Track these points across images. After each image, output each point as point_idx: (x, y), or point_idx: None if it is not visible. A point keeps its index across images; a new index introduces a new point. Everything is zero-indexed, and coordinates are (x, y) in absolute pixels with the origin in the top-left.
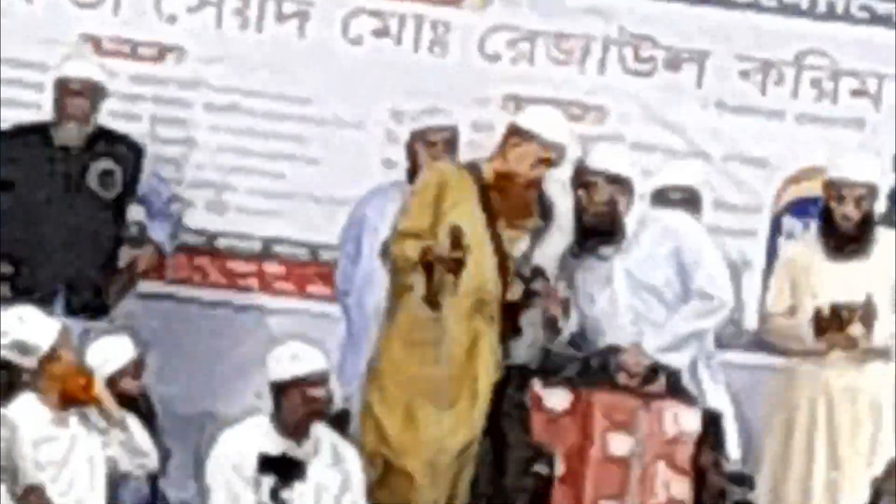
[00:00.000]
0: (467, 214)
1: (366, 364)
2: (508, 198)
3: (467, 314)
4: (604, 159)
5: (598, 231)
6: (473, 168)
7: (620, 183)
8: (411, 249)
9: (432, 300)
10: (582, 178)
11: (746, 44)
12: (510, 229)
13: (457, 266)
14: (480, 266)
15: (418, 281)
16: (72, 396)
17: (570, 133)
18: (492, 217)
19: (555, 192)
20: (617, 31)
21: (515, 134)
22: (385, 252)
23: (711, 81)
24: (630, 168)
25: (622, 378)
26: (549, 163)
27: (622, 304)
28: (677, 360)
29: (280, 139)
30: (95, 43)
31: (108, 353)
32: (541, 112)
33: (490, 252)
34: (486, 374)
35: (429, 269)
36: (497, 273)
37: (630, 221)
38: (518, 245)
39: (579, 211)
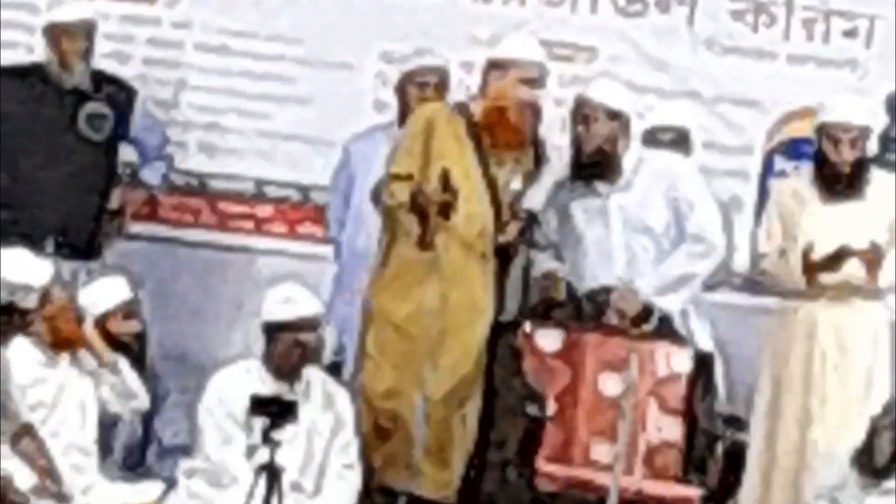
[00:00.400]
0: (457, 155)
1: (360, 309)
2: (500, 131)
3: (461, 254)
4: (606, 94)
5: (596, 167)
6: (462, 108)
7: (620, 119)
8: (401, 192)
9: (425, 242)
10: (582, 112)
11: None
12: (502, 167)
13: (447, 208)
14: (472, 206)
15: (411, 223)
16: (63, 339)
17: (544, 54)
18: (483, 157)
19: (547, 135)
20: None
21: (494, 67)
22: (376, 195)
23: (702, 22)
24: (630, 106)
25: (614, 319)
26: (532, 83)
27: (616, 242)
28: (670, 302)
29: (271, 80)
30: None
31: (102, 293)
32: (513, 39)
33: (482, 192)
34: (480, 315)
35: (421, 212)
36: (491, 213)
37: (627, 161)
38: (511, 185)
39: (577, 146)
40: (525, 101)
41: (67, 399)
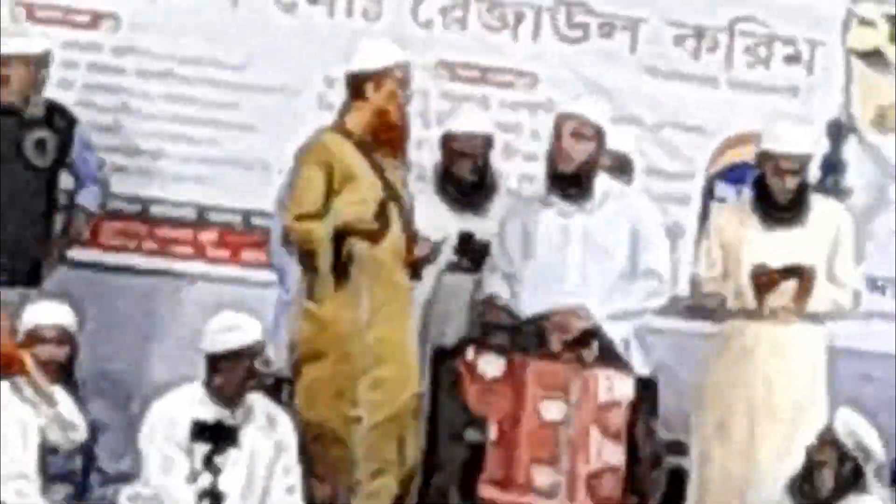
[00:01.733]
0: (363, 181)
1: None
2: (387, 139)
3: (384, 283)
4: (596, 112)
5: (574, 180)
6: (343, 131)
7: (600, 139)
8: (319, 230)
9: (342, 271)
10: (573, 128)
11: (679, 10)
12: (396, 171)
13: (379, 235)
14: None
15: (325, 255)
16: (2, 366)
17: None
18: (379, 170)
19: (497, 161)
20: None
21: (365, 79)
22: (286, 239)
23: (645, 47)
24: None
25: (555, 344)
26: (405, 84)
27: (572, 262)
28: (617, 330)
29: (213, 106)
30: (29, 10)
31: (41, 313)
32: (370, 47)
33: (396, 213)
34: (413, 337)
35: (337, 242)
36: (402, 236)
37: (596, 187)
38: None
39: (555, 160)
40: (402, 101)
41: (7, 423)
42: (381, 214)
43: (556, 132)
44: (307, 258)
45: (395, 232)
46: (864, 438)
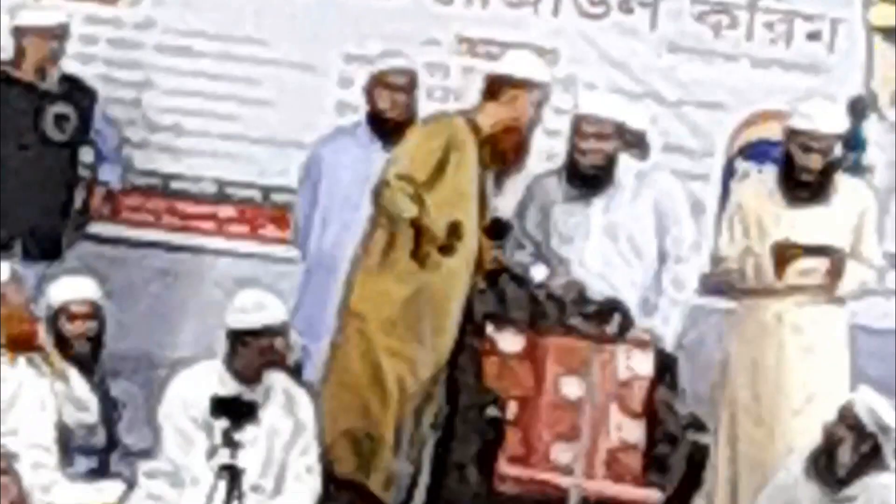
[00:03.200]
0: (467, 176)
1: (327, 310)
2: (509, 149)
3: (449, 275)
4: (620, 111)
5: (593, 180)
6: (470, 121)
7: (625, 136)
8: (405, 203)
9: (420, 258)
10: (592, 128)
11: None
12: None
13: (448, 250)
14: (468, 241)
15: (407, 235)
16: (18, 340)
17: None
18: (482, 176)
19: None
20: None
21: (507, 83)
22: (378, 190)
23: (665, 24)
24: (643, 123)
25: (575, 319)
26: (539, 106)
27: (594, 248)
28: (650, 318)
29: (233, 81)
30: None
31: (68, 288)
32: (524, 57)
33: (476, 221)
34: (457, 311)
35: (418, 231)
36: (479, 240)
37: (621, 172)
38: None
39: (574, 157)
40: (533, 122)
41: (26, 397)
42: (452, 234)
43: (575, 131)
44: (384, 217)
45: (468, 245)
46: (884, 416)
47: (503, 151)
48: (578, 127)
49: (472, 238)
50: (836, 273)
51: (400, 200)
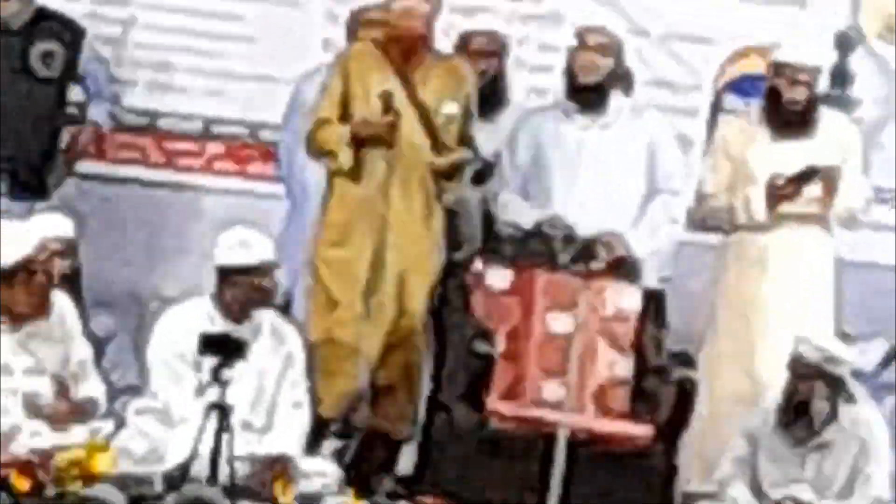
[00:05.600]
0: (379, 83)
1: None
2: (408, 42)
3: (407, 184)
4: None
5: (594, 92)
6: (374, 41)
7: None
8: (334, 132)
9: (358, 173)
10: (597, 41)
11: None
12: (429, 90)
13: (392, 133)
14: (409, 135)
15: (347, 159)
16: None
17: None
18: (409, 84)
19: (512, 76)
20: None
21: None
22: (310, 145)
23: None
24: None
25: (602, 258)
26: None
27: (585, 175)
28: (642, 248)
29: (219, 18)
30: None
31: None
32: None
33: (415, 119)
34: (438, 249)
35: (357, 144)
36: (427, 143)
37: (613, 108)
38: (444, 108)
39: (573, 72)
40: (427, 10)
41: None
42: (388, 110)
43: (580, 43)
44: (325, 160)
45: (412, 134)
46: (830, 348)
47: (404, 39)
48: (582, 40)
49: (415, 149)
50: (830, 190)
51: (329, 132)
